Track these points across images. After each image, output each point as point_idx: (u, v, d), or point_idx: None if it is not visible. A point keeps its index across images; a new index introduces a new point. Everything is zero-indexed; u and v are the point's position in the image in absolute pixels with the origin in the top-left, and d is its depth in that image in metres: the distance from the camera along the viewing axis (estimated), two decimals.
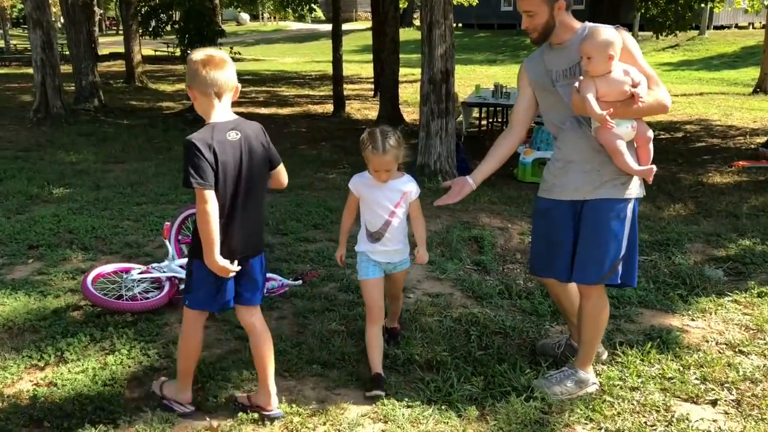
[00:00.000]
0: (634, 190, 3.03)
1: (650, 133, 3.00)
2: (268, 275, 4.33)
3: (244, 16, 49.37)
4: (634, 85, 2.86)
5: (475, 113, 12.68)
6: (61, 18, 23.07)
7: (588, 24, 3.04)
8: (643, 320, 4.02)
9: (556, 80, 3.06)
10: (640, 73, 2.89)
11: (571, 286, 3.32)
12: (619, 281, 3.07)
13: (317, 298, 4.20)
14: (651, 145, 3.00)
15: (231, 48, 13.52)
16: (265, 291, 4.04)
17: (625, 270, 3.07)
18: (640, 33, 30.18)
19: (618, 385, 3.24)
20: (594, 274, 3.04)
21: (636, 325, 3.95)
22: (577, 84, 2.91)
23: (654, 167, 2.98)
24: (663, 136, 12.09)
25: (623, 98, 2.87)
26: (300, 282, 4.38)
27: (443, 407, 3.04)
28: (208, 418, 2.91)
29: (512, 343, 3.72)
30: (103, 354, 3.44)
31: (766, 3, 15.80)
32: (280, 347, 3.51)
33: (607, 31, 2.87)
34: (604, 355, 3.51)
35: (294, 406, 3.01)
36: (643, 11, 14.21)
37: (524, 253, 5.35)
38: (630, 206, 3.03)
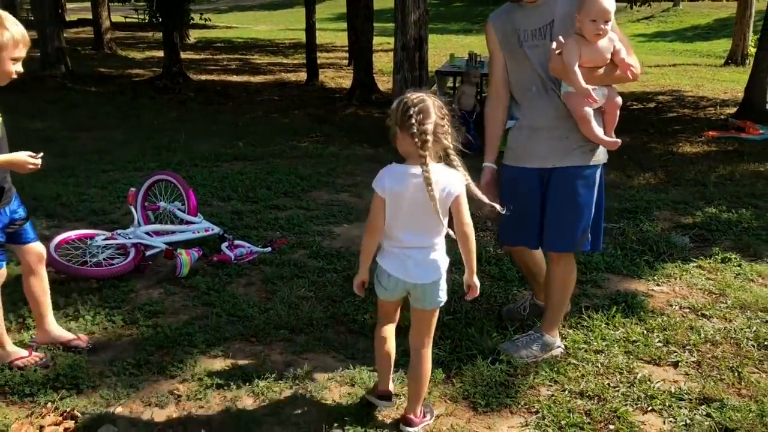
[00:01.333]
0: (601, 155, 3.03)
1: (619, 100, 2.98)
2: (237, 242, 4.30)
3: None
4: (616, 52, 2.82)
5: (450, 83, 12.60)
6: None
7: None
8: (609, 285, 4.07)
9: (525, 40, 2.96)
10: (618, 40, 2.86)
11: (538, 251, 3.34)
12: (589, 248, 3.11)
13: (286, 265, 4.17)
14: (617, 112, 2.99)
15: (201, 14, 13.23)
16: (233, 257, 4.04)
17: (593, 236, 3.10)
18: (617, 3, 30.19)
19: (583, 348, 3.29)
20: (567, 243, 3.07)
21: (602, 290, 4.00)
22: (555, 46, 2.80)
23: (619, 141, 2.96)
24: (635, 107, 12.17)
25: (602, 65, 2.84)
26: (269, 249, 4.36)
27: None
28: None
29: (480, 308, 3.74)
30: (66, 320, 3.39)
31: None
32: (248, 313, 3.51)
33: None
34: (567, 308, 3.51)
35: (260, 370, 3.00)
36: None
37: (495, 221, 5.36)
38: (598, 172, 3.03)
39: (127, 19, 29.25)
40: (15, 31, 2.74)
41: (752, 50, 16.11)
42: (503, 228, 3.29)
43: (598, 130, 2.92)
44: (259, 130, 8.99)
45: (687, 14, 29.25)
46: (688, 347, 3.33)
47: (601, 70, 2.85)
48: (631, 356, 3.23)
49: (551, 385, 2.99)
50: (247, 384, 2.90)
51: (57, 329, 3.18)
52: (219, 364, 3.05)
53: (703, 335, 3.43)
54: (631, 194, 6.07)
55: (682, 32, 26.67)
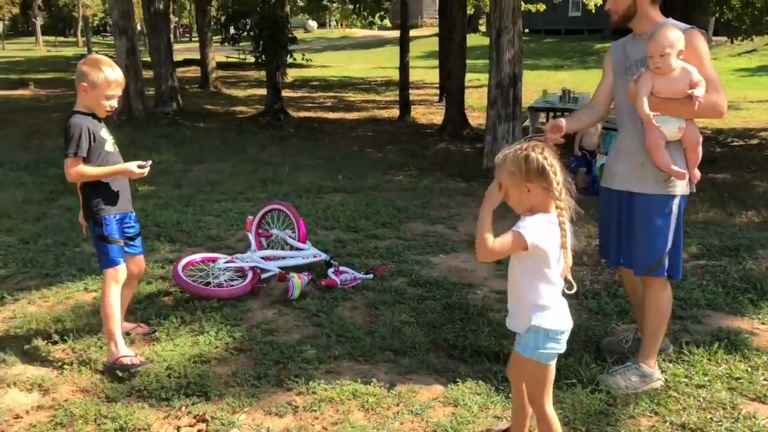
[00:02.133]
0: (680, 187, 3.15)
1: (696, 135, 3.09)
2: (342, 267, 4.57)
3: (312, 24, 50.41)
4: (693, 86, 2.95)
5: (542, 118, 12.66)
6: (138, 26, 24.17)
7: (669, 20, 3.16)
8: (710, 322, 4.04)
9: (629, 68, 3.21)
10: (699, 74, 2.98)
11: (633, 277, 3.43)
12: (666, 274, 3.21)
13: (387, 291, 4.39)
14: (700, 149, 3.11)
15: (303, 54, 13.96)
16: (339, 282, 4.30)
17: (671, 263, 3.21)
18: (715, 38, 29.30)
19: (684, 382, 3.30)
20: (640, 266, 3.22)
21: (703, 326, 3.98)
22: (635, 75, 3.07)
23: (686, 172, 3.07)
24: (737, 143, 11.81)
25: (678, 97, 2.99)
26: (371, 276, 4.60)
27: (510, 396, 3.17)
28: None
29: (578, 339, 3.80)
30: (192, 335, 3.73)
31: None
32: (355, 334, 3.73)
33: (672, 31, 2.98)
34: (670, 349, 3.57)
35: (369, 387, 3.21)
36: (717, 15, 13.88)
37: (590, 256, 5.41)
38: (675, 202, 3.15)
39: (229, 59, 30.96)
40: (109, 73, 3.30)
41: None
42: (599, 243, 3.58)
43: (668, 159, 3.05)
44: (356, 164, 9.38)
45: None
46: None
47: (675, 101, 2.99)
48: (735, 392, 3.22)
49: (651, 416, 3.04)
50: (357, 399, 3.11)
51: (116, 348, 3.39)
52: (331, 379, 3.28)
53: None
54: (732, 232, 5.96)
55: None
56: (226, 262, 4.33)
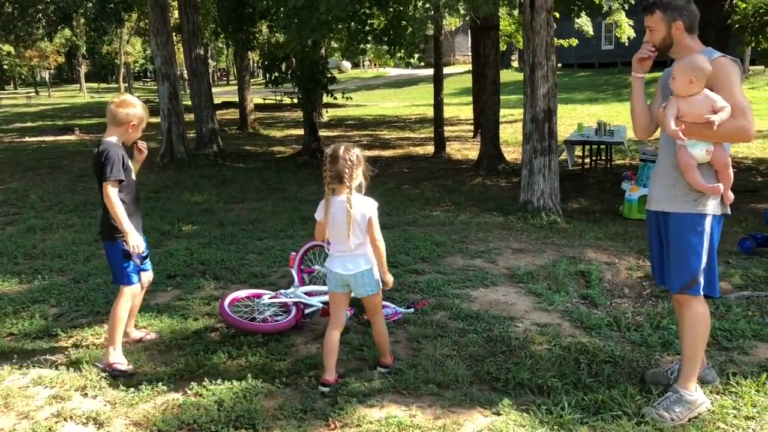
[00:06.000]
0: (711, 206, 3.21)
1: (724, 157, 3.18)
2: (384, 303, 4.63)
3: (346, 64, 51.34)
4: (716, 111, 3.05)
5: (578, 151, 12.66)
6: (178, 71, 24.96)
7: (708, 49, 3.24)
8: (757, 353, 3.99)
9: (669, 93, 3.31)
10: (725, 101, 3.08)
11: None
12: (702, 292, 3.24)
13: (429, 325, 4.43)
14: (730, 171, 3.21)
15: (343, 93, 14.32)
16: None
17: (707, 281, 3.25)
18: (752, 67, 29.02)
19: (732, 413, 3.27)
20: (676, 284, 3.29)
21: (750, 357, 3.93)
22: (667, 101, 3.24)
23: (719, 186, 3.18)
24: None
25: (701, 121, 3.09)
26: (412, 310, 4.65)
27: (555, 428, 3.18)
28: (330, 419, 3.20)
29: (622, 371, 3.79)
30: (239, 369, 3.82)
31: None
32: (398, 367, 3.78)
33: (695, 58, 3.10)
34: (716, 381, 3.53)
35: (414, 420, 3.24)
36: (753, 45, 13.81)
37: (632, 288, 5.39)
38: (707, 221, 3.21)
39: (266, 101, 31.71)
40: (144, 109, 3.98)
41: None
42: (651, 265, 3.71)
43: (699, 178, 3.16)
44: (393, 200, 9.49)
45: None
46: None
47: (699, 125, 3.10)
48: None
49: None
50: (403, 431, 3.15)
51: (133, 331, 4.25)
52: (376, 413, 3.33)
53: None
54: None
55: None
56: (271, 298, 4.43)
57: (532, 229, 7.57)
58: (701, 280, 3.24)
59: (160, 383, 3.66)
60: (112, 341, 3.90)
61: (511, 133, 17.84)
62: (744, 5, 12.93)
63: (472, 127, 18.49)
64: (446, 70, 39.46)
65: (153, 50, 13.85)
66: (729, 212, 3.30)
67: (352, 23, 11.62)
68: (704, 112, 3.09)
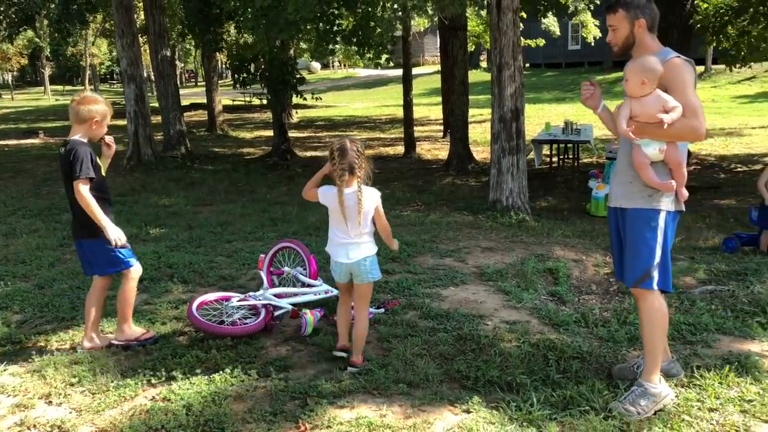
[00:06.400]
0: (665, 203, 3.29)
1: (680, 158, 3.26)
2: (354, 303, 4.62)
3: (316, 65, 51.22)
4: (667, 111, 3.13)
5: (546, 150, 12.82)
6: (145, 73, 24.66)
7: (666, 49, 3.31)
8: (720, 346, 4.07)
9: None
10: (677, 101, 3.15)
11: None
12: (655, 287, 3.31)
13: (399, 325, 4.44)
14: (684, 169, 3.28)
15: (312, 94, 14.29)
16: (351, 318, 4.37)
17: (661, 277, 3.31)
18: (714, 66, 29.64)
19: (696, 406, 3.33)
20: (629, 278, 3.38)
21: (714, 350, 4.01)
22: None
23: (672, 183, 3.25)
24: (740, 168, 11.89)
25: (654, 121, 3.17)
26: (383, 310, 4.65)
27: (524, 424, 3.21)
28: (300, 421, 3.19)
29: (590, 367, 3.84)
30: (208, 373, 3.78)
31: None
32: (368, 368, 3.78)
33: (647, 60, 3.18)
34: (681, 374, 3.60)
35: (384, 419, 3.24)
36: (714, 44, 14.10)
37: (599, 284, 5.46)
38: (661, 216, 3.29)
39: (235, 102, 31.46)
40: (106, 106, 4.02)
41: None
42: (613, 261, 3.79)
43: (653, 176, 3.24)
44: None
45: None
46: None
47: (651, 125, 3.18)
48: (748, 415, 3.24)
49: None
50: (373, 431, 3.15)
51: (129, 329, 4.20)
52: (346, 413, 3.32)
53: None
54: (739, 256, 6.00)
55: None
56: (239, 301, 4.40)
57: (501, 228, 7.63)
58: (655, 274, 3.30)
59: (127, 389, 3.61)
60: (126, 319, 4.16)
61: (480, 132, 17.95)
62: (705, 6, 13.20)
63: (441, 127, 18.58)
64: (416, 70, 39.55)
65: (118, 52, 13.66)
66: (683, 209, 3.37)
67: (321, 24, 11.59)
68: (656, 112, 3.16)
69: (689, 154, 13.79)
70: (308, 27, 11.71)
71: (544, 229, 7.51)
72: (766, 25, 12.01)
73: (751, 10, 11.87)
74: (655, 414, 3.25)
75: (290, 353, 4.06)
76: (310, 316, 4.23)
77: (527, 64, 37.29)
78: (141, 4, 17.37)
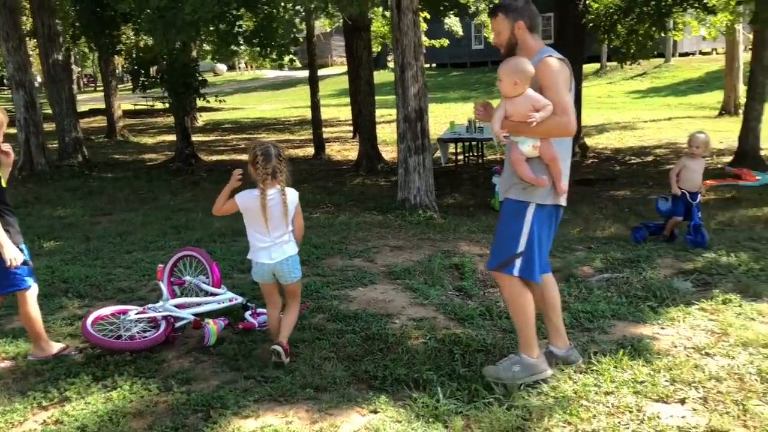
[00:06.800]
0: (538, 196, 3.42)
1: (554, 154, 3.39)
2: (260, 310, 4.54)
3: (221, 67, 50.08)
4: (537, 109, 3.27)
5: (452, 149, 13.05)
6: (38, 77, 23.43)
7: (545, 48, 3.42)
8: (616, 331, 4.25)
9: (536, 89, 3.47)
10: (548, 100, 3.29)
11: (537, 290, 3.63)
12: (517, 274, 3.45)
13: (307, 329, 4.39)
14: (559, 164, 3.41)
15: (216, 96, 13.96)
16: (257, 325, 4.29)
17: (526, 266, 3.45)
18: (609, 63, 31.12)
19: (593, 390, 3.45)
20: (492, 262, 3.57)
21: (609, 336, 4.18)
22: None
23: (545, 178, 3.37)
24: (634, 160, 12.53)
25: (525, 119, 3.31)
26: None
27: (430, 420, 3.23)
28: None
29: (494, 359, 3.91)
30: (105, 391, 3.60)
31: (722, 30, 16.48)
32: (274, 374, 3.71)
33: (518, 61, 3.32)
34: (579, 361, 3.73)
35: (290, 426, 3.19)
36: (606, 42, 14.79)
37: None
38: (530, 209, 3.43)
39: (137, 106, 30.35)
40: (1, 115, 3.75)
41: (743, 100, 16.62)
42: None
43: (527, 171, 3.39)
44: None
45: (679, 69, 30.09)
46: (693, 384, 3.49)
47: (524, 123, 3.32)
48: (640, 396, 3.39)
49: (564, 426, 3.15)
50: None
51: (47, 345, 4.04)
52: (251, 423, 3.24)
53: (707, 372, 3.59)
54: (633, 244, 6.30)
55: (676, 87, 27.40)
56: (138, 314, 4.22)
57: (409, 226, 7.71)
58: (517, 262, 3.45)
59: (15, 414, 3.39)
60: (39, 336, 3.99)
61: (389, 132, 18.09)
62: (596, 5, 13.82)
63: (351, 128, 18.59)
64: (324, 71, 39.33)
65: (4, 56, 12.88)
66: (561, 203, 3.50)
67: (221, 25, 11.34)
68: (526, 110, 3.30)
69: (586, 148, 14.45)
70: (209, 28, 11.42)
71: (451, 226, 7.64)
72: (651, 24, 12.71)
73: (638, 9, 12.53)
74: (554, 401, 3.34)
75: (193, 365, 3.93)
76: (213, 326, 4.11)
77: (434, 64, 37.99)
78: (29, 6, 16.44)
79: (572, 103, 3.34)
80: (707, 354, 3.86)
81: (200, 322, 4.20)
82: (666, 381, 3.53)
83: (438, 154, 12.06)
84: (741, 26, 18.11)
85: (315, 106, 14.73)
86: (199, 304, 4.50)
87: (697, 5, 12.63)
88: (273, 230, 3.81)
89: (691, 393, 3.40)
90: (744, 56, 19.32)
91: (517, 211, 3.46)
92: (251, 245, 3.91)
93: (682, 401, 3.34)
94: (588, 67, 29.24)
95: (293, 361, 3.94)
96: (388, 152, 14.62)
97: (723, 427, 3.06)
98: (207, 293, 4.65)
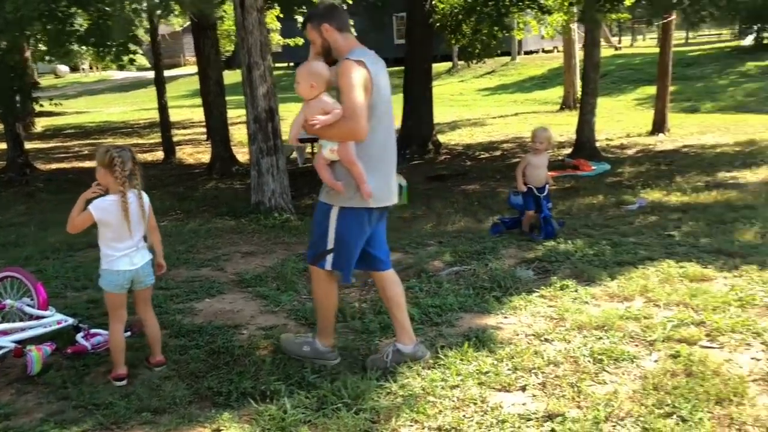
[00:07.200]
0: (339, 200, 3.53)
1: (351, 157, 3.43)
2: (93, 330, 4.20)
3: (63, 68, 46.65)
4: (327, 113, 3.33)
5: (309, 148, 12.95)
6: None
7: (354, 50, 3.45)
8: (462, 324, 4.34)
9: None
10: (338, 104, 3.36)
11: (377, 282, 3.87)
12: (329, 267, 3.63)
13: (146, 348, 4.10)
14: (359, 168, 3.45)
15: (50, 99, 12.93)
16: (90, 347, 3.96)
17: (336, 261, 3.61)
18: (460, 62, 32.33)
19: (440, 385, 3.48)
20: (309, 255, 3.77)
21: (456, 328, 4.26)
22: None
23: (340, 183, 3.48)
24: (484, 155, 13.05)
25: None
26: (128, 333, 4.25)
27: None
28: None
29: (344, 362, 3.86)
30: None
31: (559, 29, 17.61)
32: (108, 400, 3.42)
33: (313, 64, 3.39)
34: (427, 355, 3.76)
35: None
36: (453, 42, 15.31)
37: (359, 277, 5.56)
38: (334, 211, 3.55)
39: None
40: None
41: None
42: None
43: (328, 175, 3.51)
44: None
45: (524, 66, 31.81)
46: (533, 371, 3.62)
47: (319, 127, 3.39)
48: (484, 386, 3.47)
49: (412, 425, 3.15)
50: None
51: None
52: None
53: (546, 358, 3.75)
54: (480, 237, 6.52)
55: (522, 84, 28.94)
56: None
57: (264, 230, 7.51)
58: (328, 258, 3.60)
59: None
60: None
61: (244, 133, 17.65)
62: (442, 6, 14.25)
63: (205, 130, 17.96)
64: (177, 71, 37.94)
65: None
66: (370, 204, 3.53)
67: (51, 23, 10.48)
68: (316, 113, 3.34)
69: (439, 144, 14.87)
70: (37, 27, 10.52)
71: (307, 227, 7.51)
72: (493, 24, 13.30)
73: (479, 9, 13.06)
74: (402, 400, 3.33)
75: (14, 398, 3.55)
76: (36, 353, 3.72)
77: (291, 63, 37.61)
78: None
79: (365, 108, 3.33)
80: (546, 340, 4.02)
81: (22, 350, 3.80)
82: (508, 369, 3.64)
83: (295, 154, 11.91)
84: (576, 25, 19.44)
85: (163, 108, 14.07)
86: (22, 329, 4.08)
87: (533, 6, 13.36)
88: (135, 234, 3.68)
89: (531, 379, 3.52)
90: (580, 54, 20.76)
91: (323, 212, 3.60)
92: (106, 255, 3.68)
93: (523, 388, 3.45)
94: (440, 66, 30.25)
95: (129, 383, 3.67)
96: (244, 154, 14.22)
97: (559, 410, 3.18)
98: (32, 317, 4.23)
